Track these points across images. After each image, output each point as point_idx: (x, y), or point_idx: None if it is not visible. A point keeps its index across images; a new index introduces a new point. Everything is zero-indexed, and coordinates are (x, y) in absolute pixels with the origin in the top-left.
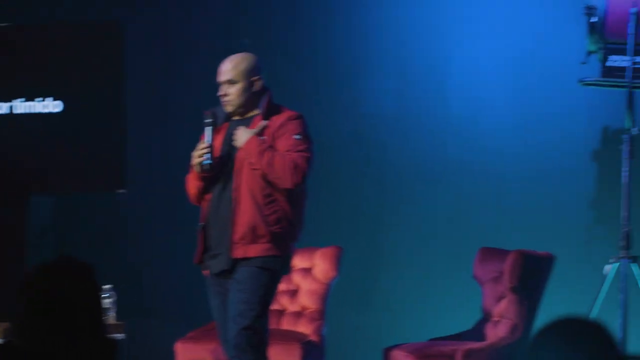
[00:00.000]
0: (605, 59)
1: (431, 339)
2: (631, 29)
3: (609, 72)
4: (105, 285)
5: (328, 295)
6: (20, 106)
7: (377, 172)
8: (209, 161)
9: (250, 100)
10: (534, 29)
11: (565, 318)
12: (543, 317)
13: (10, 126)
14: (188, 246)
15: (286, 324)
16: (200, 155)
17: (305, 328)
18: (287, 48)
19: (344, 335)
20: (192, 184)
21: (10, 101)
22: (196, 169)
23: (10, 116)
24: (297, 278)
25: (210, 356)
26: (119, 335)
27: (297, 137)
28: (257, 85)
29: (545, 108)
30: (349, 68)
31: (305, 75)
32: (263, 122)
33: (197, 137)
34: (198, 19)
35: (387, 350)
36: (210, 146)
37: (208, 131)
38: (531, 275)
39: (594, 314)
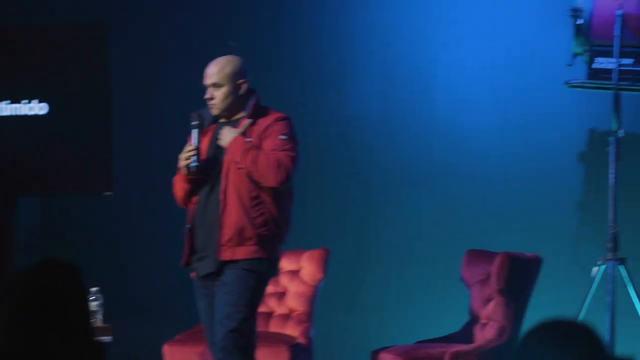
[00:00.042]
0: (591, 61)
1: (419, 342)
2: (617, 31)
3: (595, 75)
4: (92, 287)
5: (315, 298)
6: (6, 108)
7: (363, 174)
8: (195, 164)
9: (236, 103)
10: (520, 31)
11: (553, 320)
12: (531, 319)
13: None
14: (175, 248)
15: (274, 327)
16: (187, 157)
17: (292, 330)
18: (273, 51)
19: (332, 337)
20: (179, 186)
21: None
22: (183, 171)
23: None
24: (284, 280)
25: (198, 359)
26: (106, 338)
27: (283, 137)
28: (243, 89)
29: (532, 110)
30: (334, 70)
31: (291, 77)
32: (247, 121)
33: (184, 139)
34: (184, 21)
35: (375, 353)
36: (197, 149)
37: (194, 133)
38: (518, 277)
39: (581, 316)
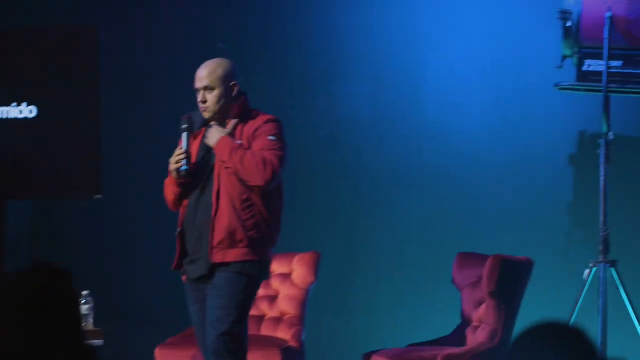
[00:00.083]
0: (580, 64)
1: (410, 345)
2: (606, 34)
3: (585, 77)
4: (83, 291)
5: (307, 301)
6: None
7: (353, 177)
8: (185, 167)
9: (228, 105)
10: (510, 33)
11: (544, 323)
12: (522, 322)
13: None
14: (166, 252)
15: (265, 330)
16: (177, 161)
17: (284, 334)
18: (263, 53)
19: (323, 340)
20: (170, 190)
21: None
22: (173, 175)
23: None
24: (275, 284)
25: None
26: (98, 342)
27: (272, 138)
28: (235, 91)
29: (522, 112)
30: (324, 73)
31: (281, 80)
32: (234, 121)
33: (175, 142)
34: (174, 23)
35: (366, 356)
36: (187, 152)
37: (184, 137)
38: (510, 280)
39: (573, 318)
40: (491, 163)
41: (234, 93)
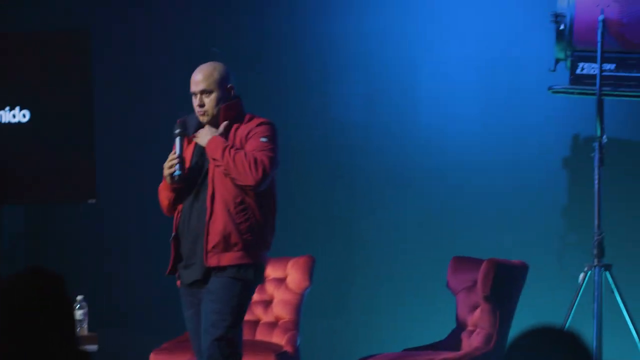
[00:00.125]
0: (574, 67)
1: (405, 349)
2: (599, 37)
3: (578, 80)
4: (77, 295)
5: (302, 305)
6: None
7: (348, 180)
8: (178, 172)
9: (226, 108)
10: (503, 36)
11: (539, 327)
12: (517, 326)
13: None
14: (160, 256)
15: (260, 335)
16: (170, 166)
17: (279, 339)
18: (256, 56)
19: (318, 345)
20: (164, 195)
21: None
22: (167, 180)
23: None
24: (270, 288)
25: None
26: (92, 347)
27: (264, 139)
28: (232, 93)
29: (515, 116)
30: (318, 75)
31: (275, 82)
32: (225, 122)
33: (169, 145)
34: (167, 27)
35: None
36: (180, 157)
37: (177, 142)
38: (505, 284)
39: (568, 322)
40: (485, 166)
41: (232, 95)
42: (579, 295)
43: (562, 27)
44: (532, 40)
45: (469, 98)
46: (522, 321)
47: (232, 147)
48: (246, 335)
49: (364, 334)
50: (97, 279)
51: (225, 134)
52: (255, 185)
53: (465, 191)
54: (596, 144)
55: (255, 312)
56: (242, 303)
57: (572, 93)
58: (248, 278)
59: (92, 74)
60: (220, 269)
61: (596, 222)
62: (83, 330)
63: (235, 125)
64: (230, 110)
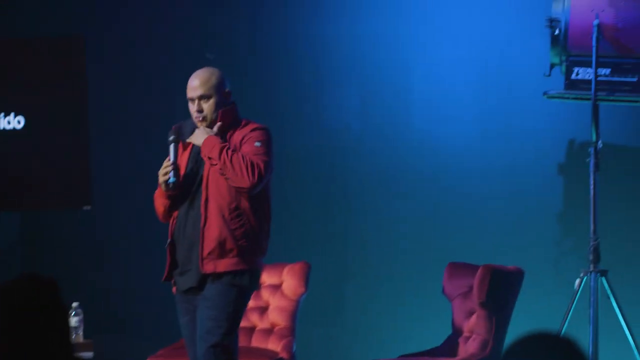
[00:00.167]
0: (569, 72)
1: (401, 356)
2: (594, 42)
3: (573, 85)
4: (73, 302)
5: (297, 312)
6: None
7: (342, 186)
8: (173, 179)
9: (224, 113)
10: (498, 42)
11: (535, 333)
12: (513, 332)
13: None
14: (156, 263)
15: (256, 342)
16: (165, 173)
17: (275, 345)
18: (250, 62)
19: (314, 351)
20: (159, 202)
21: None
22: (162, 187)
23: None
24: (266, 294)
25: None
26: (87, 354)
27: (258, 144)
28: (229, 98)
29: (510, 121)
30: (312, 81)
31: (268, 89)
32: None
33: (164, 152)
34: (161, 33)
35: None
36: (174, 164)
37: (172, 149)
38: (501, 290)
39: (564, 328)
40: (480, 171)
41: (229, 100)
42: (575, 300)
43: (557, 32)
44: (526, 45)
45: (464, 103)
46: (518, 327)
47: (229, 147)
48: (242, 341)
49: (360, 341)
50: (93, 286)
51: (220, 136)
52: (249, 188)
53: (461, 196)
54: (592, 149)
55: (251, 318)
56: (238, 310)
57: (567, 98)
58: (243, 284)
59: (86, 80)
60: (216, 275)
61: (592, 227)
62: (79, 337)
63: (230, 131)
64: (228, 116)
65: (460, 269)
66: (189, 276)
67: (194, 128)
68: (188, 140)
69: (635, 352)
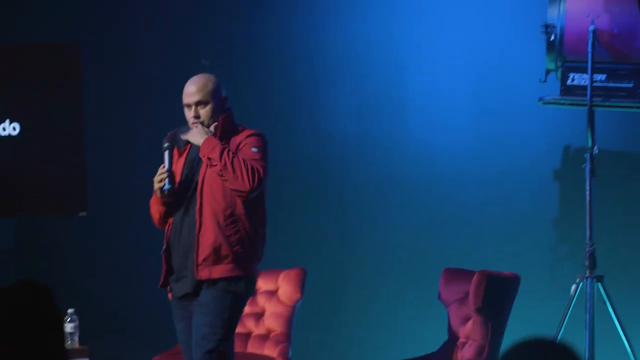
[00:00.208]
0: (564, 78)
1: None
2: (590, 47)
3: (569, 91)
4: (68, 308)
5: (293, 318)
6: None
7: (338, 193)
8: (168, 186)
9: (222, 119)
10: (494, 48)
11: (531, 339)
12: (509, 338)
13: None
14: (152, 269)
15: (252, 347)
16: (160, 180)
17: (271, 351)
18: (245, 68)
19: (310, 357)
20: (155, 209)
21: None
22: (157, 194)
23: None
24: (261, 300)
25: None
26: None
27: (255, 150)
28: (225, 104)
29: (506, 127)
30: (308, 88)
31: (264, 95)
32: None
33: (160, 158)
34: (157, 39)
35: None
36: (169, 171)
37: (166, 156)
38: (497, 296)
39: (560, 334)
40: (476, 177)
41: (225, 106)
42: (571, 306)
43: (552, 37)
44: (522, 51)
45: (460, 109)
46: (514, 333)
47: (230, 150)
48: (238, 347)
49: (356, 347)
50: (89, 292)
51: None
52: (248, 192)
53: (457, 202)
54: (587, 155)
55: (247, 324)
56: (233, 316)
57: (563, 104)
58: (239, 290)
59: (82, 86)
60: (211, 281)
61: (588, 233)
62: (74, 343)
63: (227, 137)
64: (227, 122)
65: (456, 274)
66: (185, 282)
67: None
68: (185, 137)
69: (632, 357)
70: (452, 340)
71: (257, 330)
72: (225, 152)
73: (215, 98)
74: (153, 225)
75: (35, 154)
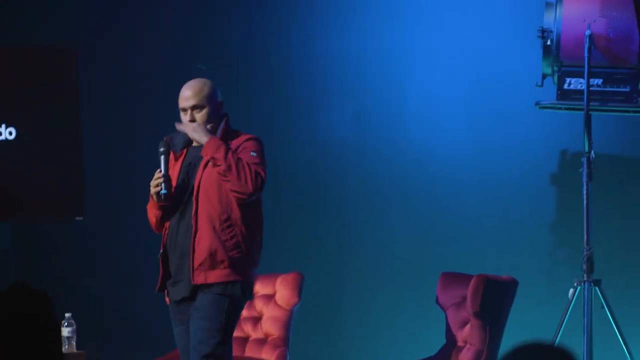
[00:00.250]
0: (561, 82)
1: None
2: (586, 52)
3: (565, 95)
4: (65, 313)
5: (291, 322)
6: None
7: (336, 198)
8: (164, 191)
9: (216, 124)
10: (490, 52)
11: (529, 343)
12: (507, 342)
13: None
14: (149, 273)
15: (249, 352)
16: (156, 184)
17: (268, 355)
18: (242, 75)
19: None
20: (151, 213)
21: None
22: (154, 198)
23: None
24: (259, 305)
25: None
26: None
27: (254, 154)
28: (221, 109)
29: (503, 132)
30: (306, 95)
31: (262, 102)
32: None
33: (157, 162)
34: (154, 43)
35: None
36: (165, 175)
37: (163, 160)
38: (494, 300)
39: (558, 338)
40: (473, 182)
41: (221, 111)
42: (569, 310)
43: (549, 42)
44: (519, 56)
45: (457, 114)
46: (512, 337)
47: (233, 151)
48: (235, 351)
49: (354, 351)
50: (86, 296)
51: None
52: (251, 194)
53: (454, 207)
54: (584, 159)
55: (245, 328)
56: (231, 320)
57: (560, 108)
58: (235, 294)
59: (79, 90)
60: (207, 285)
61: (585, 237)
62: (72, 347)
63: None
64: (228, 128)
65: (453, 278)
66: (181, 286)
67: (185, 139)
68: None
69: None
70: (450, 345)
71: (255, 334)
72: (230, 153)
73: (211, 102)
74: (150, 229)
75: (31, 159)
